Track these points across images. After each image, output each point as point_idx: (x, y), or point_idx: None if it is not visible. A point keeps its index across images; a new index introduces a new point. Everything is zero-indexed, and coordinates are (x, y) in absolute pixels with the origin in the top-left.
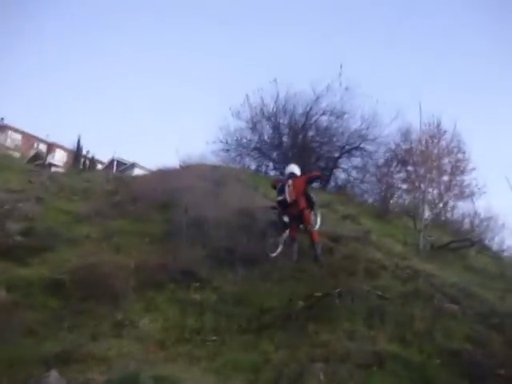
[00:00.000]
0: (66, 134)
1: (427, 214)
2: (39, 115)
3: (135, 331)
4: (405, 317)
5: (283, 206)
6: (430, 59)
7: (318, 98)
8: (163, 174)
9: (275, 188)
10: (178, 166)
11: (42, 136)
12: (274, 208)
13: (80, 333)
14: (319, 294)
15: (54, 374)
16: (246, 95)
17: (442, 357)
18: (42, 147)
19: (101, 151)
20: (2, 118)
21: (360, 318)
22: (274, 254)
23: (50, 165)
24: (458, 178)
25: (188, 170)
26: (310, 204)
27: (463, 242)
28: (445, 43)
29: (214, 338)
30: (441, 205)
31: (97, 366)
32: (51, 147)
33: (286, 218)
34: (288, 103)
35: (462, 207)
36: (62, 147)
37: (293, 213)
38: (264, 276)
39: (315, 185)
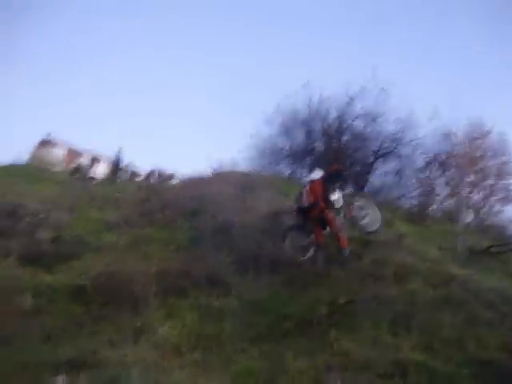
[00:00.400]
0: (109, 147)
1: (470, 218)
2: (84, 130)
3: (153, 337)
4: (433, 324)
5: (302, 212)
6: (469, 58)
7: (351, 101)
8: (194, 182)
9: (302, 210)
10: (209, 174)
11: (86, 150)
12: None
13: (98, 339)
14: (342, 301)
15: (60, 379)
16: (278, 101)
17: (473, 367)
18: (86, 161)
19: (142, 162)
20: (49, 133)
21: (384, 325)
22: (304, 258)
23: (91, 178)
24: (504, 182)
25: (219, 177)
26: (330, 205)
27: (505, 246)
28: (485, 40)
29: (232, 345)
30: (485, 209)
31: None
32: (94, 161)
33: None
34: (321, 107)
35: (508, 212)
36: (104, 160)
37: (314, 217)
38: (288, 282)
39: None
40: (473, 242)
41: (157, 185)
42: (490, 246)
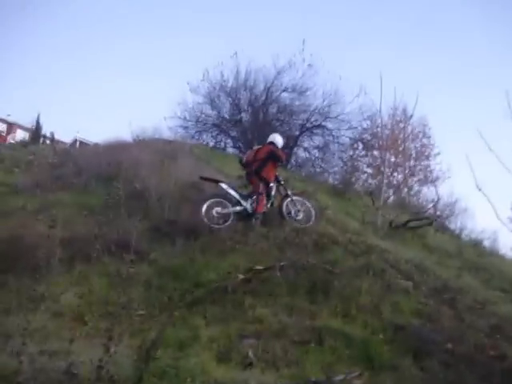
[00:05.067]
0: (28, 114)
1: (391, 195)
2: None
3: (55, 305)
4: (351, 291)
5: (243, 166)
6: (396, 38)
7: (279, 74)
8: (113, 148)
9: (241, 163)
10: (129, 140)
11: (2, 116)
12: (210, 181)
13: None
14: (260, 267)
15: None
16: (206, 70)
17: (387, 332)
18: (2, 127)
19: (64, 131)
20: None
21: (302, 293)
22: (220, 226)
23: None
24: (423, 163)
25: (140, 144)
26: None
27: (422, 221)
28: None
29: (142, 312)
30: (405, 189)
31: None
32: (12, 127)
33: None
34: (249, 79)
35: (426, 192)
36: (23, 127)
37: (247, 173)
38: (204, 249)
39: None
40: (392, 217)
41: (73, 149)
42: (409, 221)
